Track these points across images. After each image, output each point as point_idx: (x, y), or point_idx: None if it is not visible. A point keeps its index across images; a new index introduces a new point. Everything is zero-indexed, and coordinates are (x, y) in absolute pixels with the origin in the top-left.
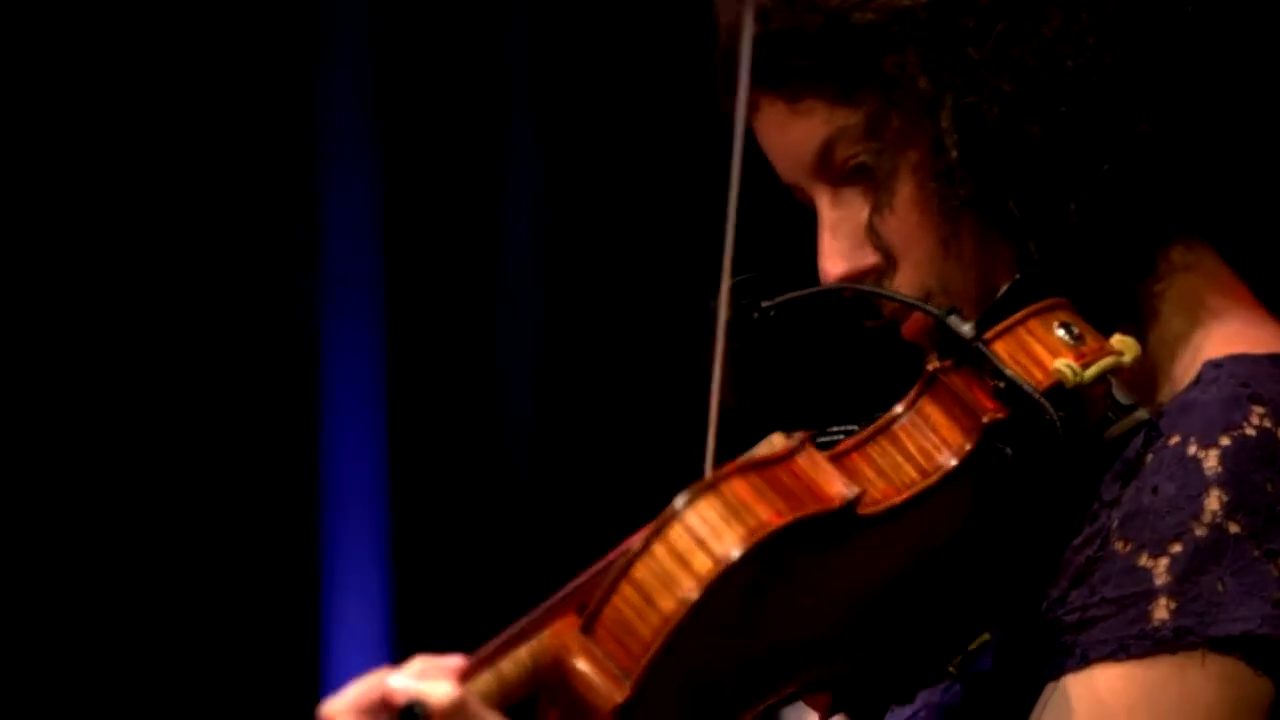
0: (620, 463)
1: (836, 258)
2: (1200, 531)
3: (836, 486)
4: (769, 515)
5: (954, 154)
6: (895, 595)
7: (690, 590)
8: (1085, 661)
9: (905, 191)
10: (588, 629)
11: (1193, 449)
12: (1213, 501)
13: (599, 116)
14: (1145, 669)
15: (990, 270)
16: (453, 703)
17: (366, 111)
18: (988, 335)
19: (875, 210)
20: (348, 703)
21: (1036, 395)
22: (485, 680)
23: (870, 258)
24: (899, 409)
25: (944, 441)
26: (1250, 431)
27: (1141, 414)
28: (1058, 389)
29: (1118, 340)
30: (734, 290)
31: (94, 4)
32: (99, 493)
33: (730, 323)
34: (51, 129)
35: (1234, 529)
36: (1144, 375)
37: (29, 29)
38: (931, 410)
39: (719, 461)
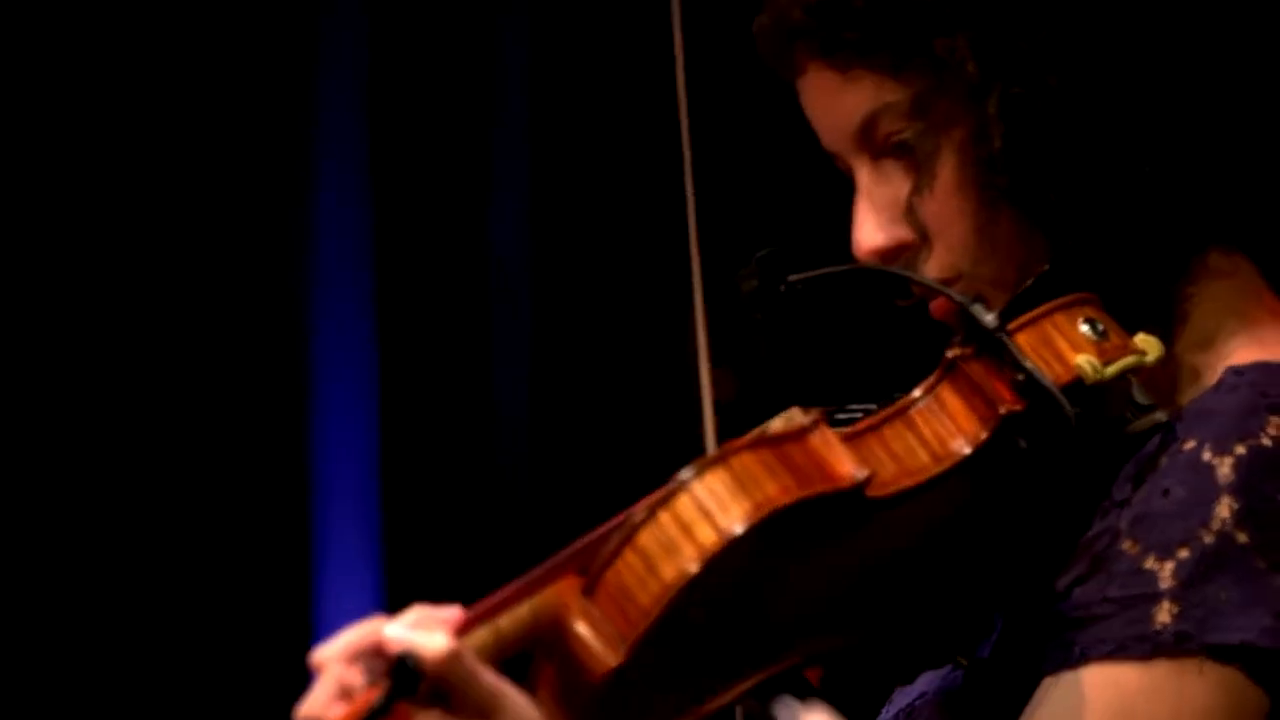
0: (613, 460)
1: (871, 229)
2: (1208, 539)
3: (847, 467)
4: (777, 491)
5: (998, 143)
6: (899, 578)
7: (692, 561)
8: (1084, 659)
9: (946, 174)
10: (589, 591)
11: (1207, 455)
12: (1223, 509)
13: (589, 112)
14: (1143, 671)
15: (1024, 259)
16: (447, 655)
17: (358, 108)
18: (1011, 326)
19: (915, 190)
20: (340, 649)
21: (1054, 390)
22: (481, 635)
23: (904, 233)
24: (917, 393)
25: (959, 429)
26: (1266, 442)
27: (1160, 415)
28: (1077, 384)
29: (1141, 339)
30: (760, 264)
31: (88, 4)
32: (91, 489)
33: (755, 296)
34: (45, 130)
35: (1242, 539)
36: (1167, 376)
37: (25, 29)
38: (949, 397)
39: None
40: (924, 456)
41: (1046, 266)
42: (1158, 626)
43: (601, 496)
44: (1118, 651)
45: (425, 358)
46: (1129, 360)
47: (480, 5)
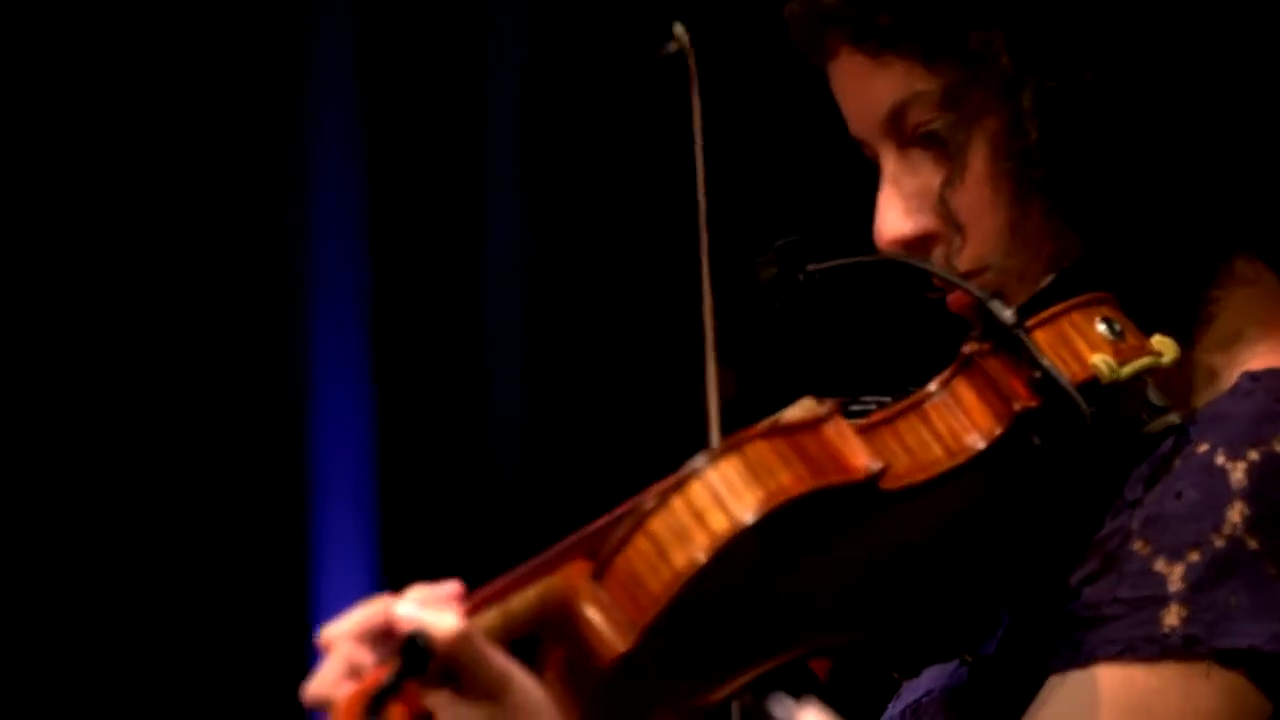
0: (608, 458)
1: (896, 218)
2: (1219, 543)
3: (861, 459)
4: (790, 481)
5: (1034, 136)
6: (909, 571)
7: (703, 548)
8: (1091, 658)
9: (977, 165)
10: (599, 576)
11: (1220, 459)
12: (1234, 514)
13: (584, 109)
14: (1149, 673)
15: (1052, 253)
16: (458, 635)
17: (353, 107)
18: (1030, 323)
19: (946, 181)
20: (349, 628)
21: (1070, 389)
22: (491, 616)
23: (929, 223)
24: (932, 387)
25: (974, 424)
26: (1279, 449)
27: (1174, 417)
28: (1092, 384)
29: (1158, 341)
30: (780, 252)
31: (83, 3)
32: (87, 489)
33: (774, 284)
34: (41, 130)
35: (1253, 544)
36: (1183, 378)
37: (21, 27)
38: (965, 392)
39: (741, 423)
40: (938, 451)
41: (1071, 262)
42: (1166, 629)
43: (597, 495)
44: (1126, 652)
45: (421, 356)
46: (1145, 361)
47: (475, 2)
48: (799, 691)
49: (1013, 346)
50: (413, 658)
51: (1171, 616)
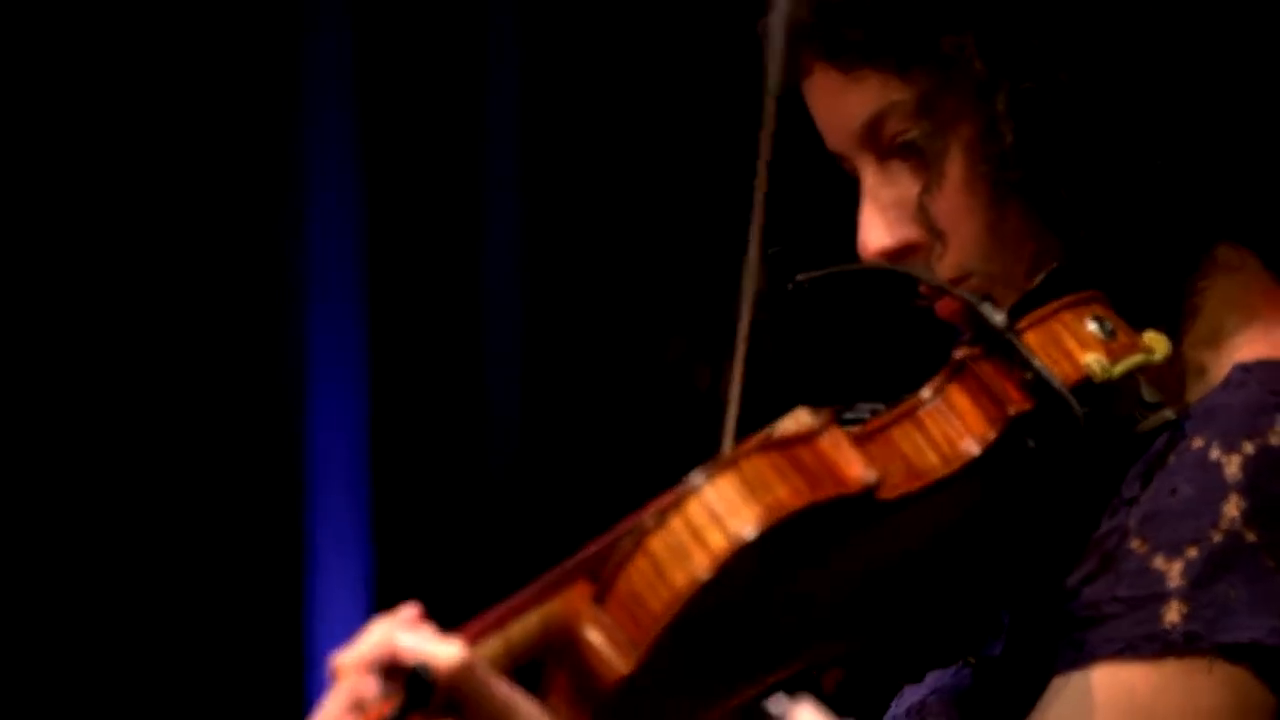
0: (605, 460)
1: (879, 231)
2: (1217, 538)
3: (857, 470)
4: (787, 495)
5: (1009, 139)
6: (909, 578)
7: (703, 567)
8: (1093, 658)
9: (955, 172)
10: (600, 598)
11: (1215, 453)
12: (1232, 508)
13: (581, 105)
14: (1152, 670)
15: (1034, 255)
16: (460, 666)
17: (349, 109)
18: (1020, 325)
19: (924, 189)
20: (358, 659)
21: (1063, 391)
22: (493, 644)
23: (912, 233)
24: (925, 393)
25: (968, 429)
26: (1274, 441)
27: (1168, 413)
28: (1085, 384)
29: (1149, 337)
30: (768, 262)
31: (79, 3)
32: (81, 487)
33: (763, 295)
34: (37, 130)
35: (1251, 538)
36: (1175, 373)
37: (16, 26)
38: (958, 397)
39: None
40: (933, 458)
41: (1056, 263)
42: (1167, 626)
43: (594, 497)
44: (1127, 651)
45: (418, 357)
46: (1137, 359)
47: (473, 1)
48: (794, 689)
49: (1004, 350)
50: (416, 691)
51: (1172, 613)
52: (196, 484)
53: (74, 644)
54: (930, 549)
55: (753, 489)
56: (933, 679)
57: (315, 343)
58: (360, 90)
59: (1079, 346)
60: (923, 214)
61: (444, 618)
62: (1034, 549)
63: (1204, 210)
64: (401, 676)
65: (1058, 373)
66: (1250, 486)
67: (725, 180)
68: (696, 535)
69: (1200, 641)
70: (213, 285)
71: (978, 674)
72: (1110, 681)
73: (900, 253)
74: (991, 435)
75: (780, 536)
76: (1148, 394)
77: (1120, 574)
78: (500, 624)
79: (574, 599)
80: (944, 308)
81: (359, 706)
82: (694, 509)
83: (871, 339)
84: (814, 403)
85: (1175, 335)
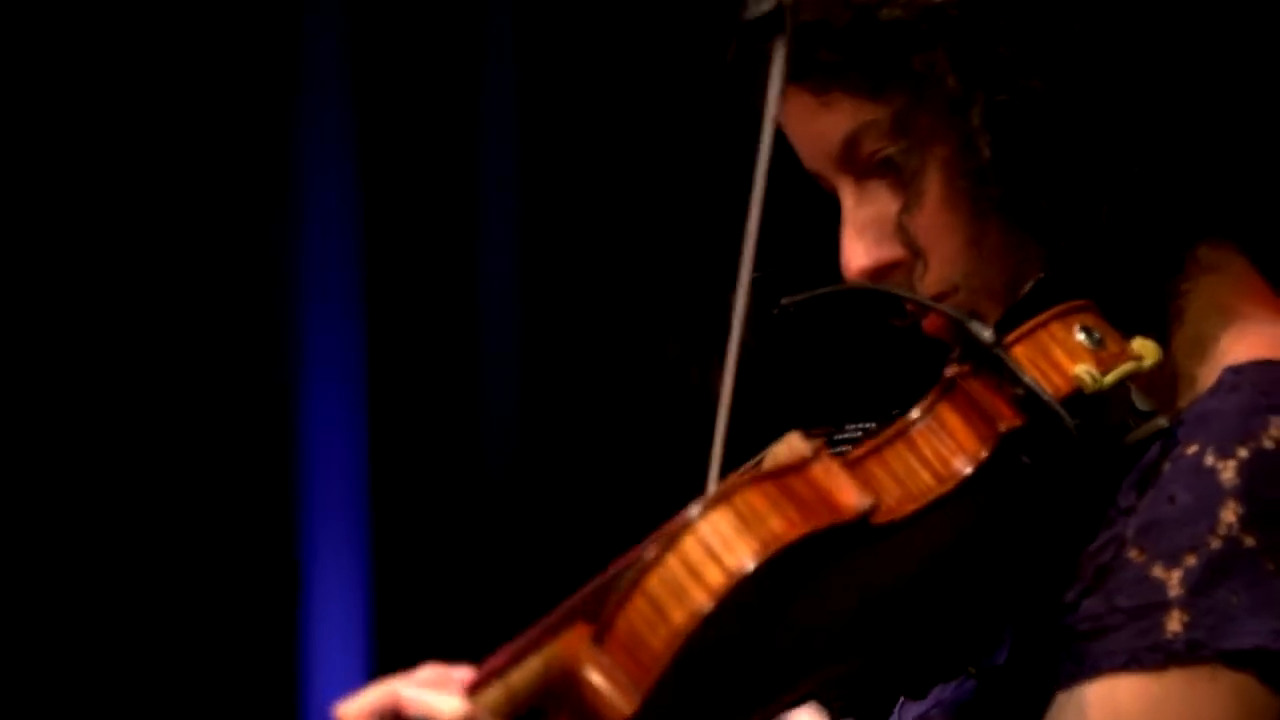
0: (603, 462)
1: (859, 250)
2: (1215, 544)
3: (851, 497)
4: (783, 527)
5: (986, 153)
6: (908, 599)
7: (702, 603)
8: (1096, 671)
9: (933, 188)
10: (599, 639)
11: (1210, 459)
12: (1228, 514)
13: (578, 105)
14: (1156, 681)
15: (1016, 267)
16: (462, 717)
17: (346, 105)
18: (1008, 339)
19: (904, 207)
20: (362, 710)
21: (1055, 405)
22: (494, 693)
23: (893, 252)
24: (915, 414)
25: (960, 448)
26: (1268, 444)
27: (1160, 421)
28: (1077, 395)
29: (1138, 344)
30: (753, 286)
31: (76, 3)
32: (77, 486)
33: (748, 319)
34: (33, 130)
35: (1249, 542)
36: (1165, 379)
37: (12, 26)
38: (949, 416)
39: (726, 460)
40: (927, 478)
41: (1039, 274)
42: (1169, 635)
43: (592, 497)
44: (1130, 663)
45: (414, 358)
46: (1127, 367)
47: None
48: None
49: (993, 366)
50: None
51: (1173, 622)
52: (193, 484)
53: (74, 644)
54: (928, 568)
55: (747, 522)
56: (935, 694)
57: (312, 343)
58: (357, 91)
59: (1068, 358)
60: (903, 232)
61: (443, 618)
62: (1032, 562)
63: (1184, 207)
64: None
65: (1048, 386)
66: (1246, 491)
67: (723, 180)
68: (693, 572)
69: (1203, 649)
70: (210, 285)
71: (981, 687)
72: (1114, 694)
73: (882, 271)
74: (984, 453)
75: (777, 568)
76: (1139, 402)
77: (1120, 584)
78: (500, 671)
79: (573, 641)
80: (931, 324)
81: None
82: (690, 545)
83: (860, 358)
84: (805, 424)
85: (1163, 340)
